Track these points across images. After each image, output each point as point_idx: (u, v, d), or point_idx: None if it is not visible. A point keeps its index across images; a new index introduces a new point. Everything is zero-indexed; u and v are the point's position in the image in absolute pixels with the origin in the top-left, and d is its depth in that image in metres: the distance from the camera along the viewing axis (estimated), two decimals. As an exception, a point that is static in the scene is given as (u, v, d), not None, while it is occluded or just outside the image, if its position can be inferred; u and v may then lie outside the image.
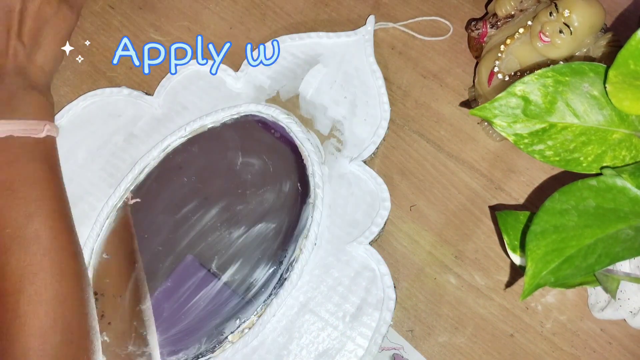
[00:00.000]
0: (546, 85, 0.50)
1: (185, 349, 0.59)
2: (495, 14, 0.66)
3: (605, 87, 0.49)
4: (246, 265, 0.62)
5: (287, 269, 0.61)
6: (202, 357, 0.59)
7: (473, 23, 0.68)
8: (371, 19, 0.69)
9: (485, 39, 0.66)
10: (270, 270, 0.61)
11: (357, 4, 0.72)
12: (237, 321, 0.59)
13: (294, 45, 0.69)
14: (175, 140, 0.66)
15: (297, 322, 0.59)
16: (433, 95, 0.69)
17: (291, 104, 0.67)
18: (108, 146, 0.66)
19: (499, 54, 0.62)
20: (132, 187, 0.64)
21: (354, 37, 0.69)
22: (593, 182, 0.48)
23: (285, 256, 0.61)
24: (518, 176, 0.65)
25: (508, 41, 0.62)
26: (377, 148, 0.65)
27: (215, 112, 0.66)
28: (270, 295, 0.60)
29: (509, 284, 0.62)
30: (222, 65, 0.68)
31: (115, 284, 0.62)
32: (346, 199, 0.63)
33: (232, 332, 0.59)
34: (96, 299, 0.60)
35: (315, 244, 0.61)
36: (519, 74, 0.62)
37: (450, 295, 0.62)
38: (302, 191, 0.63)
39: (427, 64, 0.70)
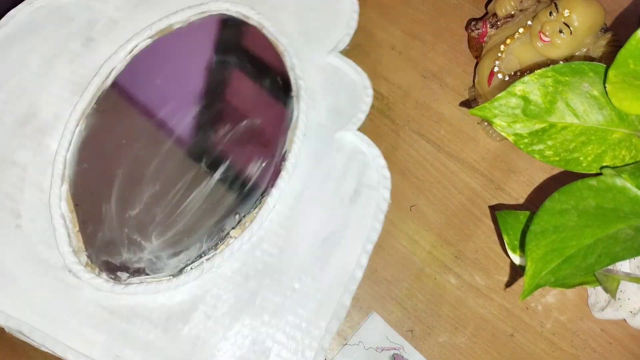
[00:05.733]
0: (546, 85, 0.51)
1: (186, 249, 0.57)
2: (495, 14, 0.66)
3: (605, 87, 0.50)
4: (238, 161, 0.60)
5: (281, 161, 0.60)
6: (204, 255, 0.57)
7: (473, 23, 0.68)
8: None
9: (485, 39, 0.67)
10: (264, 164, 0.60)
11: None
12: (237, 216, 0.58)
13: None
14: (142, 41, 0.63)
15: (296, 211, 0.59)
16: (433, 95, 0.69)
17: (260, 4, 0.67)
18: (64, 53, 0.63)
19: (499, 54, 0.63)
20: (99, 93, 0.61)
21: None
22: (593, 182, 0.49)
23: (276, 149, 0.60)
24: (518, 176, 0.65)
25: (508, 41, 0.63)
26: (350, 39, 0.65)
27: (181, 11, 0.65)
28: (267, 187, 0.59)
29: (509, 284, 0.62)
30: None
31: (97, 193, 0.59)
32: (329, 90, 0.63)
33: (233, 228, 0.58)
34: (76, 210, 0.58)
35: (304, 134, 0.61)
36: (519, 73, 0.62)
37: (450, 295, 0.62)
38: (284, 84, 0.63)
39: (427, 64, 0.70)
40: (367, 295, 0.62)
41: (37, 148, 0.59)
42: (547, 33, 0.59)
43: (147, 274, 0.55)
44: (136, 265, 0.56)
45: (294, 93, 0.62)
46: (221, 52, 0.65)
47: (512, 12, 0.65)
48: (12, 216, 0.57)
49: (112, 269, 0.55)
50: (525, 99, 0.51)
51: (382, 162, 0.60)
